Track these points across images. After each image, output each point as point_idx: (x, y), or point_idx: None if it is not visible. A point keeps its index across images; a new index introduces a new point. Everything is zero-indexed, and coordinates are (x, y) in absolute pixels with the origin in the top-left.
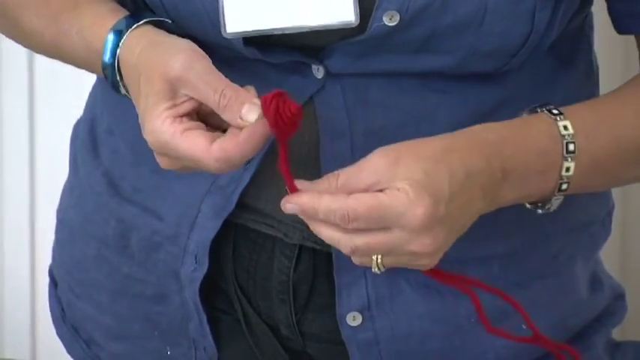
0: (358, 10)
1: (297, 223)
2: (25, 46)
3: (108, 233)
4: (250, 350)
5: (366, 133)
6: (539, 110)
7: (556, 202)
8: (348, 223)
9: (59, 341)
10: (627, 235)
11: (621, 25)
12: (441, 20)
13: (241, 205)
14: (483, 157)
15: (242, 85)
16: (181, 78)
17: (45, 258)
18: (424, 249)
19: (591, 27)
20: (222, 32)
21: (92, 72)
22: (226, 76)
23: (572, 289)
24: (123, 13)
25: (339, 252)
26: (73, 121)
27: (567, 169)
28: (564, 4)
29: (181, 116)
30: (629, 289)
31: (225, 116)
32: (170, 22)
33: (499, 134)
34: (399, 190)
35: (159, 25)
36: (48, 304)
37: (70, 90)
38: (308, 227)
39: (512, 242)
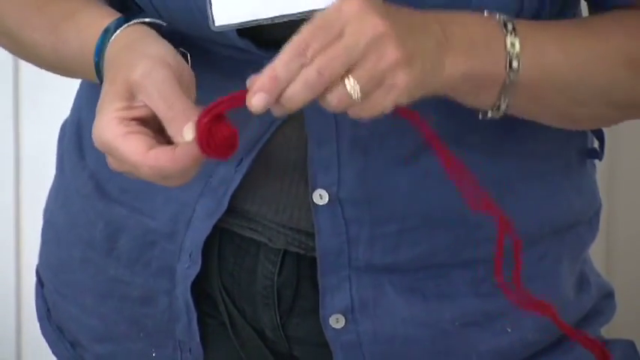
0: None
1: (281, 227)
2: (31, 62)
3: (94, 235)
4: (236, 353)
5: (352, 141)
6: None
7: (511, 88)
8: (306, 54)
9: (44, 342)
10: (613, 234)
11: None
12: None
13: (228, 208)
14: (419, 16)
15: (231, 87)
16: (139, 84)
17: (31, 259)
18: (376, 30)
19: None
20: (211, 25)
21: (90, 78)
22: (218, 77)
23: (558, 291)
24: (118, 15)
25: (324, 254)
26: (59, 122)
27: (512, 45)
28: None
29: (132, 120)
30: (616, 288)
31: (170, 130)
32: (164, 24)
33: (433, 11)
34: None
35: (152, 25)
36: (33, 305)
37: (55, 91)
38: (292, 232)
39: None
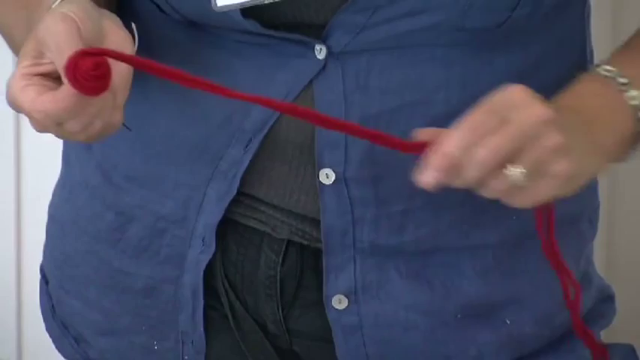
0: None
1: (285, 217)
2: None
3: (100, 227)
4: (237, 346)
5: (361, 120)
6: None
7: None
8: (475, 133)
9: (45, 341)
10: (614, 238)
11: None
12: None
13: (236, 194)
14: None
15: (241, 67)
16: (42, 39)
17: (32, 258)
18: (542, 115)
19: (589, 16)
20: (213, 6)
21: None
22: (229, 63)
23: (559, 287)
24: None
25: (329, 234)
26: None
27: (633, 98)
28: None
29: (38, 75)
30: (616, 292)
31: (63, 78)
32: None
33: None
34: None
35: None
36: (34, 304)
37: None
38: (297, 222)
39: (501, 230)
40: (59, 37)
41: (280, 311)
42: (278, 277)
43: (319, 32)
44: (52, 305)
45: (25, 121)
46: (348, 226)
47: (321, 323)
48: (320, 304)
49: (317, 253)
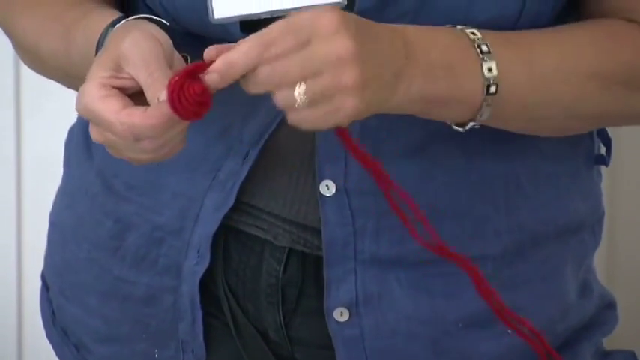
0: None
1: (287, 225)
2: (52, 76)
3: (100, 235)
4: (238, 354)
5: (361, 132)
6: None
7: (487, 110)
8: (269, 50)
9: (46, 348)
10: (615, 244)
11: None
12: None
13: (236, 204)
14: (388, 33)
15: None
16: (125, 54)
17: (32, 266)
18: (342, 52)
19: None
20: (211, 19)
21: None
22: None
23: (561, 295)
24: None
25: (330, 245)
26: (60, 129)
27: (490, 70)
28: None
29: (115, 88)
30: (617, 298)
31: (147, 95)
32: (167, 23)
33: (403, 26)
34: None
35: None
36: (34, 311)
37: (56, 98)
38: (298, 230)
39: (503, 242)
40: (148, 55)
41: (282, 319)
42: (279, 285)
43: None
44: (53, 312)
45: (26, 126)
46: (350, 237)
47: (323, 331)
48: (321, 312)
49: (318, 262)
